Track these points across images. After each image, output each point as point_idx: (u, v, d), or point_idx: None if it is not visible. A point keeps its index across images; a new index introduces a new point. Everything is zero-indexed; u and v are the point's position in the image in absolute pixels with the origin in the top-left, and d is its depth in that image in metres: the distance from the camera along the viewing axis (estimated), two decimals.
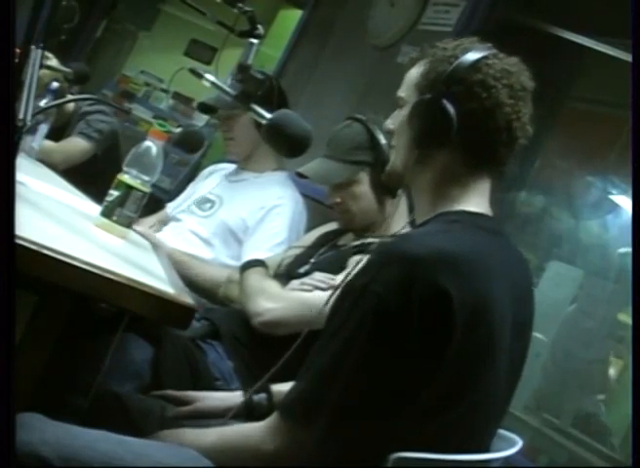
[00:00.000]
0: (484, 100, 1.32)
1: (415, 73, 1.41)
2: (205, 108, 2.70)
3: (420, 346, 1.19)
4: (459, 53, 1.36)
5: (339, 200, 2.20)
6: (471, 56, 1.35)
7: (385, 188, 2.12)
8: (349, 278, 1.30)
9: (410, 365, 1.19)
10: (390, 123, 1.46)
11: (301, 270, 2.17)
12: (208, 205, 2.65)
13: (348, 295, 1.26)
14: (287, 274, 2.18)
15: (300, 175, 2.24)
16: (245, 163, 2.71)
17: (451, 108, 1.32)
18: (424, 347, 1.19)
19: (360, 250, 2.12)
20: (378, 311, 1.20)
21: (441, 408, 1.22)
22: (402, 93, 1.43)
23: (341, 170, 2.17)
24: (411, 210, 2.16)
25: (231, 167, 2.80)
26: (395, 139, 1.45)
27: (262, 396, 1.67)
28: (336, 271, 2.07)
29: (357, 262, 2.08)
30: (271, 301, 2.00)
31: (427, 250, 1.22)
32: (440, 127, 1.33)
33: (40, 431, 1.17)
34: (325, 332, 1.28)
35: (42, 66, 1.53)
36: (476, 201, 1.37)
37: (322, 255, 2.22)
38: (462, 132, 1.32)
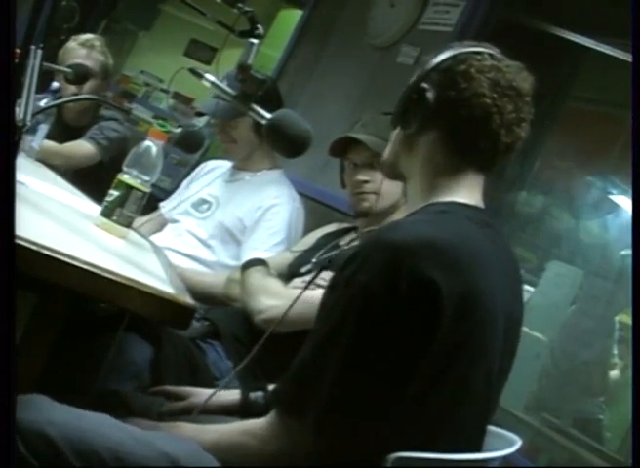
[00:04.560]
0: (463, 90, 1.34)
1: None
2: (203, 115, 2.71)
3: (407, 334, 1.18)
4: (455, 47, 1.39)
5: (367, 178, 2.16)
6: (462, 49, 1.38)
7: None
8: (337, 269, 1.30)
9: (397, 353, 1.19)
10: None
11: (303, 270, 2.17)
12: (205, 206, 2.64)
13: (336, 286, 1.27)
14: (288, 274, 2.18)
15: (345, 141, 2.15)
16: (242, 163, 2.68)
17: (430, 93, 1.35)
18: (411, 335, 1.18)
19: None
20: (363, 299, 1.20)
21: (427, 396, 1.21)
22: None
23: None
24: None
25: (225, 165, 2.77)
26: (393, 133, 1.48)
27: (259, 394, 1.67)
28: None
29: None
30: (273, 299, 2.00)
31: (412, 237, 1.23)
32: (416, 108, 1.36)
33: (47, 411, 1.16)
34: (315, 324, 1.29)
35: (42, 66, 1.53)
36: (467, 193, 1.37)
37: (323, 255, 2.22)
38: (440, 118, 1.35)
